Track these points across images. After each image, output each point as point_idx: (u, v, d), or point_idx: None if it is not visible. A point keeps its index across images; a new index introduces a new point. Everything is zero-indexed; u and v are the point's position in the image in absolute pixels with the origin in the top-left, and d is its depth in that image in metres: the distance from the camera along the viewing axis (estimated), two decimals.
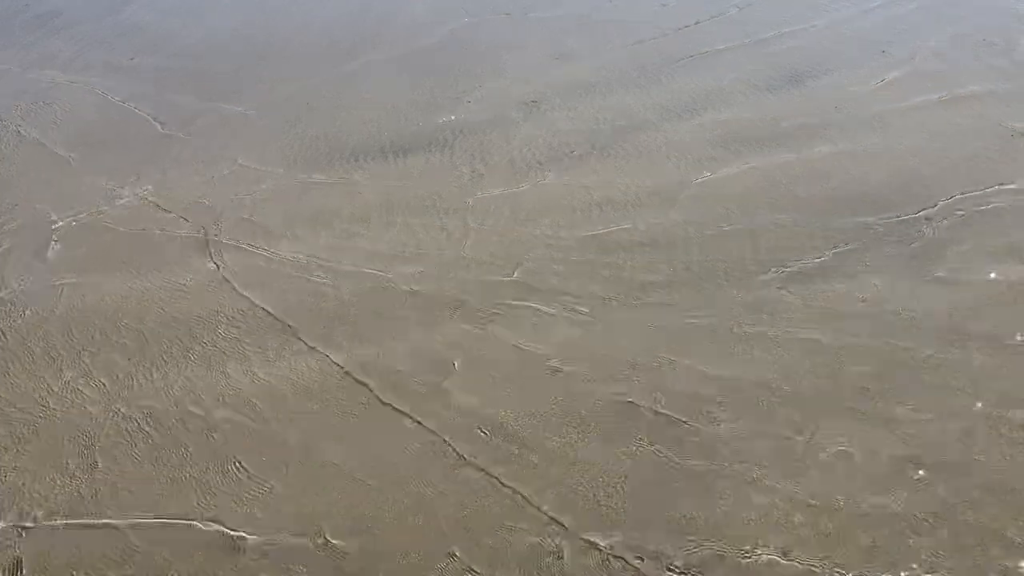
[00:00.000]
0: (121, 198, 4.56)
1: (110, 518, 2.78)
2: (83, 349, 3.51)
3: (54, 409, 3.23)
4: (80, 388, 3.31)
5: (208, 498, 2.82)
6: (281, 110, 5.32)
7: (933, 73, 5.01)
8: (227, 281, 3.83)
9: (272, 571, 2.58)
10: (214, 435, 3.04)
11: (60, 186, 4.73)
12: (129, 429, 3.10)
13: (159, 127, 5.27)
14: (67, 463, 2.99)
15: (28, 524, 2.80)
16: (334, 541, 2.63)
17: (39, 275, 4.02)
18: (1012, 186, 3.95)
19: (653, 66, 5.40)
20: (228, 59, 6.07)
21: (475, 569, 2.51)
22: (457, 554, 2.56)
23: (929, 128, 4.47)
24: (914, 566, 2.41)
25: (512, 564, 2.52)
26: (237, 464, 2.92)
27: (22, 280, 3.99)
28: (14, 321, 3.72)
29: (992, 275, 3.44)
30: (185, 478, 2.89)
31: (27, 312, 3.78)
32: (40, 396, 3.30)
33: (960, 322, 3.20)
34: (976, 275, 3.44)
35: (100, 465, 2.97)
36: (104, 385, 3.31)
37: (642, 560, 2.49)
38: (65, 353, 3.50)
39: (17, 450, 3.08)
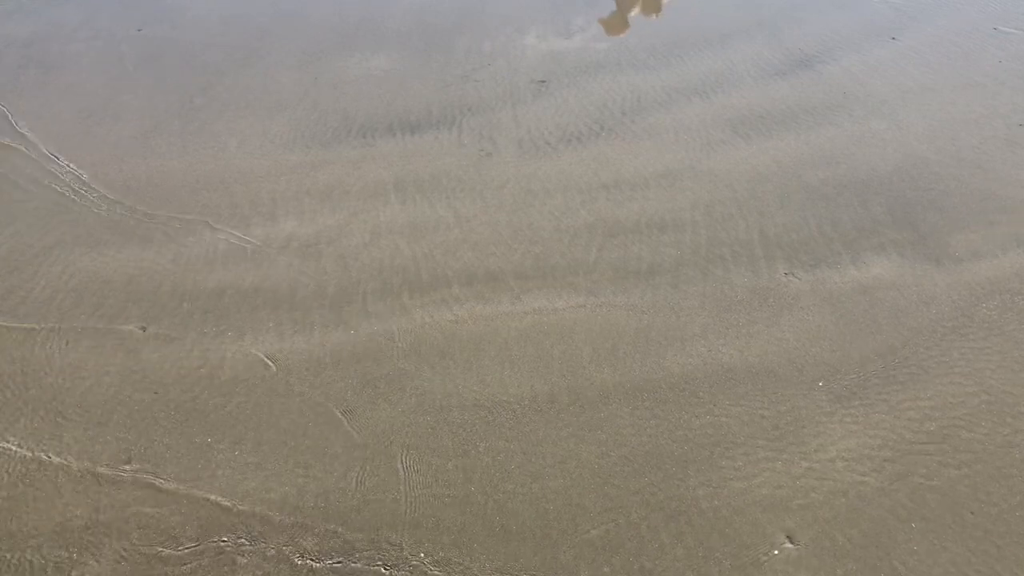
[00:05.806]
0: None
1: None
2: None
3: None
4: None
5: None
6: (287, 83, 5.28)
7: (941, 60, 5.01)
8: None
9: None
10: None
11: None
12: None
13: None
14: None
15: None
16: None
17: None
18: None
19: (663, 47, 5.38)
20: (232, 32, 6.02)
21: None
22: None
23: (938, 115, 4.48)
24: None
25: None
26: None
27: None
28: None
29: None
30: None
31: None
32: None
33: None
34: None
35: None
36: None
37: None
38: None
39: None
